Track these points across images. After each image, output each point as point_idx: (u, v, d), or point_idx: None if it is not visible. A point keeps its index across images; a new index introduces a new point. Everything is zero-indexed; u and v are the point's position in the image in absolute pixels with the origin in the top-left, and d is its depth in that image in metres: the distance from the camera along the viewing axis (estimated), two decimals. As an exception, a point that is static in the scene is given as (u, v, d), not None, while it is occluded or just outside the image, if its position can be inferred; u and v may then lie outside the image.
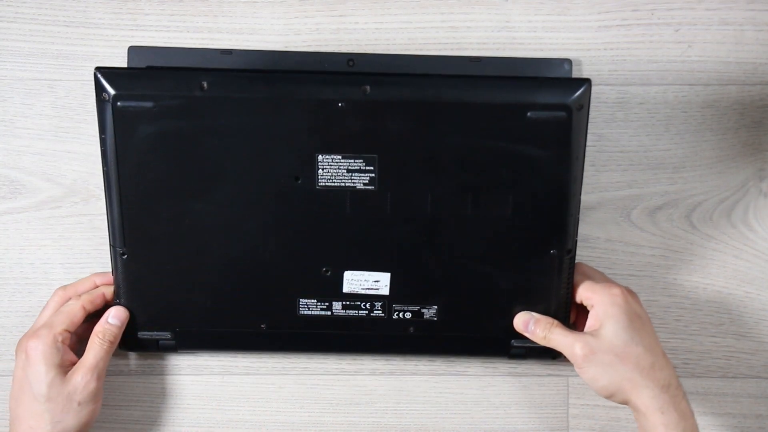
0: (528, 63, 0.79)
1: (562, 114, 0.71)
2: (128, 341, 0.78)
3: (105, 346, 0.75)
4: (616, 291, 0.74)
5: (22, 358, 0.74)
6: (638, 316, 0.74)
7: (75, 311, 0.75)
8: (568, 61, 0.79)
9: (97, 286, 0.78)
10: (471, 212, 0.74)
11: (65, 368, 0.74)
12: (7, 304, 0.82)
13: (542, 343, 0.76)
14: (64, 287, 0.77)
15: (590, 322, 0.74)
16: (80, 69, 0.79)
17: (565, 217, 0.74)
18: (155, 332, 0.78)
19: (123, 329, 0.77)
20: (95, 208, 0.80)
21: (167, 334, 0.78)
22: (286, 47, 0.79)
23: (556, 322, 0.76)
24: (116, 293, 0.77)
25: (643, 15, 0.79)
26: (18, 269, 0.81)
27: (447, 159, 0.73)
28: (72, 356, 0.75)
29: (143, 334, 0.78)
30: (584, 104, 0.71)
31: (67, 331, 0.74)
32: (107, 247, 0.77)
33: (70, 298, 0.76)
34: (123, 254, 0.76)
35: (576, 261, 0.77)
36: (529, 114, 0.71)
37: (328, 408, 0.83)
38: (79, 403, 0.74)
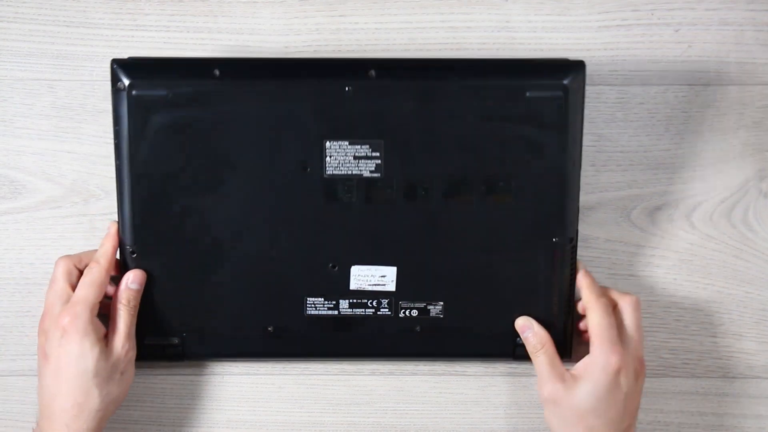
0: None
1: (559, 93, 0.73)
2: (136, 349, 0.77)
3: (131, 312, 0.75)
4: (615, 360, 0.72)
5: (57, 336, 0.72)
6: (620, 390, 0.73)
7: (102, 279, 0.74)
8: (568, 61, 0.79)
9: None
10: (474, 197, 0.75)
11: (102, 341, 0.74)
12: (7, 304, 0.82)
13: (530, 355, 0.77)
14: (67, 256, 0.76)
15: (582, 363, 0.74)
16: (80, 69, 0.79)
17: (564, 201, 0.75)
18: (162, 337, 0.78)
19: (141, 292, 0.76)
20: (95, 208, 0.80)
21: (174, 339, 0.78)
22: (286, 47, 0.79)
23: (547, 345, 0.76)
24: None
25: (643, 15, 0.79)
26: (18, 269, 0.81)
27: (449, 142, 0.74)
28: (103, 327, 0.74)
29: (149, 340, 0.78)
30: (579, 85, 0.73)
31: (99, 302, 0.74)
32: (107, 247, 0.77)
33: (74, 266, 0.75)
34: (133, 253, 0.76)
35: (581, 269, 0.77)
36: (528, 94, 0.73)
37: (328, 408, 0.83)
38: (122, 372, 0.74)
